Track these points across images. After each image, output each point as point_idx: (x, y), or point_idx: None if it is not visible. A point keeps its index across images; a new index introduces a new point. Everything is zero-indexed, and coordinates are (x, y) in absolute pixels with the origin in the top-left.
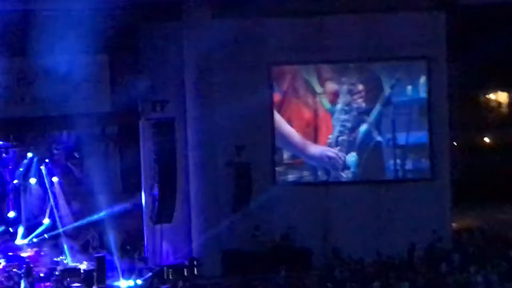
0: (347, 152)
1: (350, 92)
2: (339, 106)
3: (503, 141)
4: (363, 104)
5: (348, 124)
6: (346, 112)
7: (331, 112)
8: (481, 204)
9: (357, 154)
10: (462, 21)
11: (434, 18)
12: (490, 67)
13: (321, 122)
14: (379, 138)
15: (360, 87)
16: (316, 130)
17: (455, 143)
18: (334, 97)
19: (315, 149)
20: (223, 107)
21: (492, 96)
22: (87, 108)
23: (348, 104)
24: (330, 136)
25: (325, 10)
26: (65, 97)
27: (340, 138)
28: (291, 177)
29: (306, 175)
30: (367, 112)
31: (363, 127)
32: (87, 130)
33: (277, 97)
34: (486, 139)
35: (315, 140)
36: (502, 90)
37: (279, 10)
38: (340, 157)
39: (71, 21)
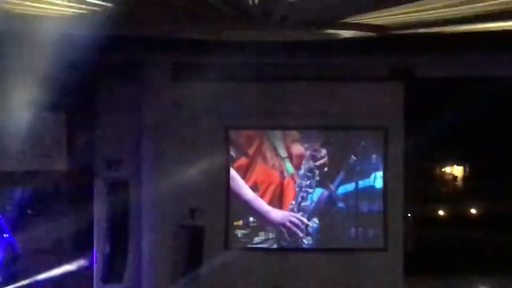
0: (309, 218)
1: (313, 158)
2: (302, 171)
3: (458, 214)
4: (326, 170)
5: (311, 190)
6: (309, 178)
7: (295, 177)
8: (434, 277)
9: (319, 220)
10: (419, 93)
11: (391, 89)
12: (447, 140)
13: (285, 187)
14: (341, 205)
15: (323, 152)
16: (280, 195)
17: (409, 215)
18: (298, 162)
19: (277, 215)
20: (179, 169)
21: (448, 169)
22: (42, 165)
23: (311, 170)
24: (292, 202)
25: (286, 76)
26: (20, 153)
27: (303, 204)
28: (247, 241)
29: (265, 240)
30: (330, 178)
31: (325, 193)
32: (41, 187)
33: (243, 161)
34: (441, 212)
35: (279, 205)
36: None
37: (239, 75)
38: (302, 223)
39: (30, 77)
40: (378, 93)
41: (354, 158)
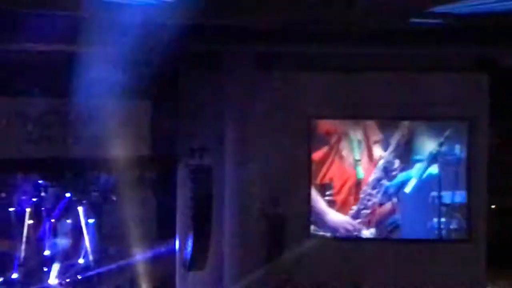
0: (367, 227)
1: (385, 170)
2: (371, 178)
3: None
4: (395, 180)
5: (374, 199)
6: (374, 187)
7: (362, 183)
8: None
9: (376, 231)
10: (505, 83)
11: (476, 79)
12: None
13: (352, 190)
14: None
15: (397, 164)
16: (345, 196)
17: (493, 206)
18: (369, 168)
19: (334, 218)
20: (261, 157)
21: None
22: (126, 151)
23: (379, 179)
24: (353, 207)
25: (367, 66)
26: (105, 139)
27: (363, 212)
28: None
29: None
30: (397, 188)
31: (388, 205)
32: (125, 173)
33: (321, 153)
34: None
35: (341, 208)
36: None
37: (322, 65)
38: (356, 231)
39: (114, 65)
40: (463, 84)
41: (438, 148)
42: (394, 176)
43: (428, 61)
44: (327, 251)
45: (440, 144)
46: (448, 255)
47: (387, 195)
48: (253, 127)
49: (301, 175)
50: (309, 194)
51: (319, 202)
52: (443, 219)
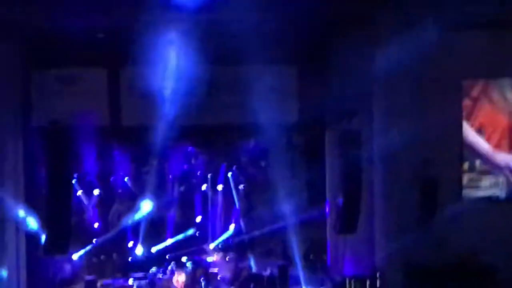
0: None
1: None
2: None
3: None
4: None
5: None
6: None
7: None
8: None
9: None
10: None
11: None
12: None
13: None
14: None
15: None
16: (507, 137)
17: None
18: None
19: (502, 158)
20: (410, 120)
21: None
22: (274, 117)
23: None
24: None
25: None
26: (253, 106)
27: None
28: (477, 191)
29: (494, 184)
30: None
31: None
32: (273, 139)
33: (466, 102)
34: None
35: (508, 149)
36: None
37: (470, 23)
38: None
39: (260, 31)
40: None
41: None
42: None
43: None
44: (480, 212)
45: None
46: None
47: None
48: (402, 89)
49: (453, 138)
50: (461, 156)
51: (482, 145)
52: None
